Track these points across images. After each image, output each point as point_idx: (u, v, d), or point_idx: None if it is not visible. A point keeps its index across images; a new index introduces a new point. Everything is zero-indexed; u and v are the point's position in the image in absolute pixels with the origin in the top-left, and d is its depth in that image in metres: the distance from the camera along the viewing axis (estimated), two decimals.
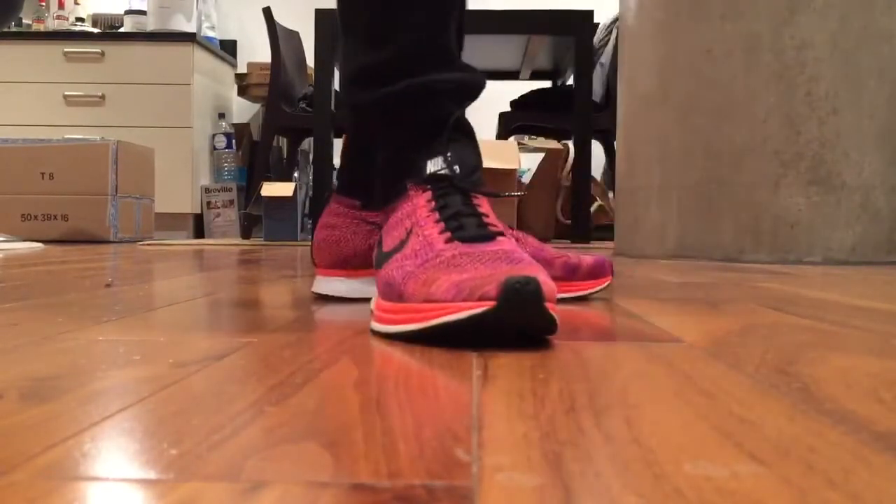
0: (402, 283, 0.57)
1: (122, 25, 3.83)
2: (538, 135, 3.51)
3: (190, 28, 3.64)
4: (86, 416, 0.33)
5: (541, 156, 3.14)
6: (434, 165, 0.66)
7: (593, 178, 2.98)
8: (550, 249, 0.85)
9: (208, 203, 3.72)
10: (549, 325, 0.52)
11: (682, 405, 0.36)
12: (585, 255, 0.86)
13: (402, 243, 0.62)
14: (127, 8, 3.80)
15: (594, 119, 2.79)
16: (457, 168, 0.65)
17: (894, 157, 1.75)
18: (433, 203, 0.64)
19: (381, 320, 0.58)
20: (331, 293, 0.82)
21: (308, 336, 0.57)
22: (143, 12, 3.70)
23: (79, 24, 3.85)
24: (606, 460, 0.28)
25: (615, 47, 3.07)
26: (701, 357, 0.50)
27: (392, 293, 0.58)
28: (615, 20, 3.10)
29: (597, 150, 3.09)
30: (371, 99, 0.71)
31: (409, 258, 0.60)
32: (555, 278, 0.80)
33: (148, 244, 2.68)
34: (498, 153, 2.53)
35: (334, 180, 2.90)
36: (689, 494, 0.24)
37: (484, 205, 0.65)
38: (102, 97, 3.54)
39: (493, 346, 0.52)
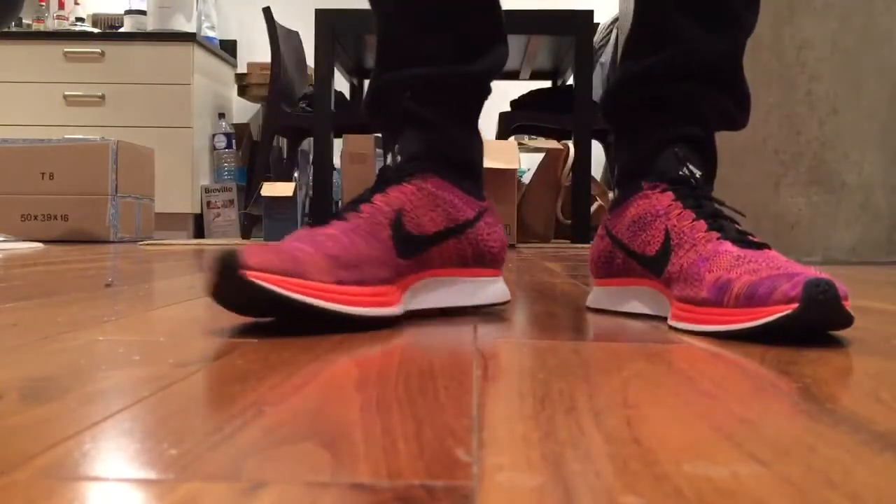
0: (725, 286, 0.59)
1: (122, 25, 3.83)
2: (538, 135, 3.51)
3: (190, 28, 3.64)
4: (86, 416, 0.33)
5: (541, 156, 3.13)
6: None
7: (593, 178, 2.97)
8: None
9: (208, 203, 3.72)
10: (846, 322, 0.56)
11: (682, 405, 0.36)
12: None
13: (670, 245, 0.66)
14: (127, 8, 3.79)
15: (594, 119, 2.79)
16: None
17: (894, 157, 1.75)
18: None
19: (698, 321, 0.60)
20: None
21: (308, 336, 0.56)
22: (143, 12, 3.69)
23: (79, 24, 3.84)
24: (606, 460, 0.28)
25: (615, 47, 3.07)
26: (701, 357, 0.50)
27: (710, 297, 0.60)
28: (615, 20, 3.10)
29: (597, 150, 3.09)
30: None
31: (723, 267, 0.60)
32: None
33: (148, 244, 2.68)
34: (498, 153, 2.53)
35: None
36: (689, 494, 0.24)
37: None
38: (102, 97, 3.54)
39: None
